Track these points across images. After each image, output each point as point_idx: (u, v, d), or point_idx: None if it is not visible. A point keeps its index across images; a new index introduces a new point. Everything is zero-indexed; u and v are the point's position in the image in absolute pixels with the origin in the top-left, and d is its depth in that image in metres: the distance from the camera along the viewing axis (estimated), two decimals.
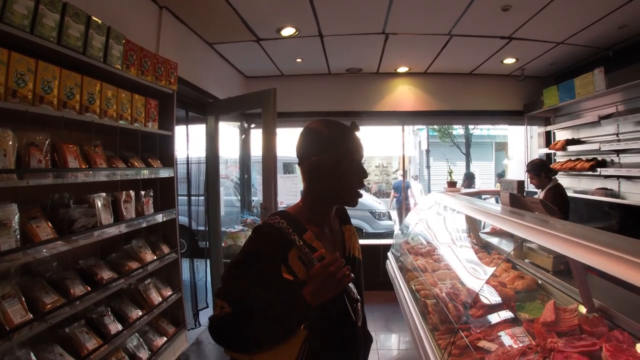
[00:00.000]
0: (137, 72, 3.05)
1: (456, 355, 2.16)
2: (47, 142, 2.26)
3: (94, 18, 2.50)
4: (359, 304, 1.41)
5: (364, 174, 1.42)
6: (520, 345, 2.03)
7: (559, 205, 4.27)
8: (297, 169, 6.08)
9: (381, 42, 4.97)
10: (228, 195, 7.77)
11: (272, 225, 1.33)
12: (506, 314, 2.38)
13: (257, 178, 7.25)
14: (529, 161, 5.19)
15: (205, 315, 4.92)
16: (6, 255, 1.91)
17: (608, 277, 2.38)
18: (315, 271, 1.23)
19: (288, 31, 4.55)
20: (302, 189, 1.49)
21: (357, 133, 1.44)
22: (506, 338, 2.13)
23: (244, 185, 7.06)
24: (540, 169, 4.71)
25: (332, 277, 1.22)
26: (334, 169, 1.37)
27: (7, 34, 1.98)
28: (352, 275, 1.29)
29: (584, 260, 1.47)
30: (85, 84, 2.50)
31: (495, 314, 2.40)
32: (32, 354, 2.14)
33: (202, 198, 5.47)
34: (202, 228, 5.48)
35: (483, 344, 2.11)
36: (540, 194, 4.76)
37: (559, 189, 4.68)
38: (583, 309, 2.26)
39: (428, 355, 2.35)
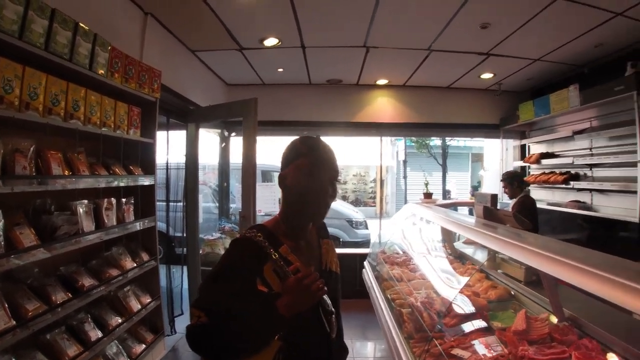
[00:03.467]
0: (121, 80, 3.06)
1: None
2: (32, 149, 2.25)
3: (81, 25, 2.51)
4: (333, 316, 1.43)
5: (326, 193, 1.42)
6: (493, 353, 2.09)
7: (527, 216, 4.49)
8: (275, 177, 6.10)
9: (362, 54, 5.07)
10: (206, 202, 7.73)
11: (249, 239, 1.36)
12: (479, 323, 2.45)
13: (235, 186, 7.25)
14: (504, 174, 5.36)
15: (180, 322, 4.89)
16: None
17: (578, 288, 2.50)
18: (289, 284, 1.27)
19: (271, 42, 4.62)
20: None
21: (324, 149, 1.45)
22: (479, 346, 2.19)
23: (223, 192, 7.05)
24: (513, 178, 4.96)
25: (306, 290, 1.26)
26: (294, 184, 1.41)
27: None
28: (326, 288, 1.33)
29: (552, 273, 1.55)
30: (70, 90, 2.50)
31: (469, 322, 2.46)
32: None
33: (180, 204, 5.44)
34: (180, 234, 5.45)
35: (456, 351, 2.16)
36: (511, 204, 4.96)
37: (528, 200, 4.88)
38: (554, 319, 2.33)
39: None
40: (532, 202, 4.92)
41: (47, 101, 2.32)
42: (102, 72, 2.81)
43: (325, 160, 1.43)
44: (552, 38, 4.47)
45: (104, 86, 2.91)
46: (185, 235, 5.22)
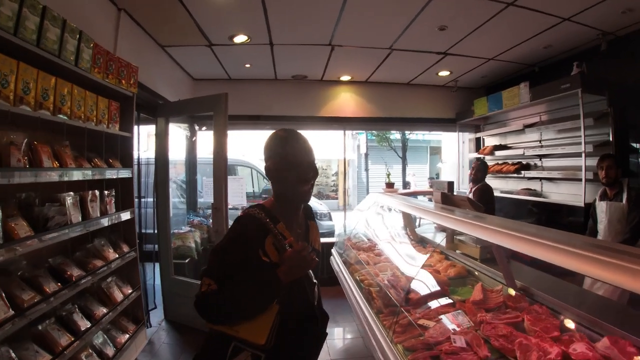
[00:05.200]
0: (102, 75, 3.10)
1: (399, 332, 2.43)
2: (24, 142, 2.30)
3: (69, 22, 2.56)
4: (315, 286, 1.71)
5: (308, 175, 1.63)
6: (456, 321, 2.35)
7: (486, 203, 4.83)
8: (238, 171, 6.22)
9: (327, 52, 5.29)
10: (172, 197, 7.68)
11: (252, 216, 1.57)
12: (441, 297, 2.70)
13: (203, 180, 7.26)
14: (480, 159, 5.62)
15: (154, 316, 4.96)
16: None
17: (530, 263, 2.81)
18: (289, 254, 1.49)
19: (240, 38, 4.75)
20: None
21: (300, 139, 1.65)
22: (442, 316, 2.43)
23: (191, 187, 7.06)
24: (485, 166, 5.42)
25: (303, 260, 1.49)
26: (277, 173, 1.63)
27: None
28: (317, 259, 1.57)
29: (502, 244, 1.82)
30: (58, 85, 2.55)
31: (432, 296, 2.71)
32: (11, 352, 2.18)
33: (148, 200, 5.45)
34: (147, 231, 5.44)
35: (422, 321, 2.40)
36: (469, 191, 5.36)
37: (486, 187, 5.27)
38: (512, 291, 2.62)
39: (375, 334, 2.63)
40: (491, 189, 5.31)
41: (38, 96, 2.37)
42: (87, 67, 2.86)
43: (298, 152, 1.63)
44: (504, 39, 4.82)
45: (87, 82, 2.95)
46: (156, 230, 5.23)
